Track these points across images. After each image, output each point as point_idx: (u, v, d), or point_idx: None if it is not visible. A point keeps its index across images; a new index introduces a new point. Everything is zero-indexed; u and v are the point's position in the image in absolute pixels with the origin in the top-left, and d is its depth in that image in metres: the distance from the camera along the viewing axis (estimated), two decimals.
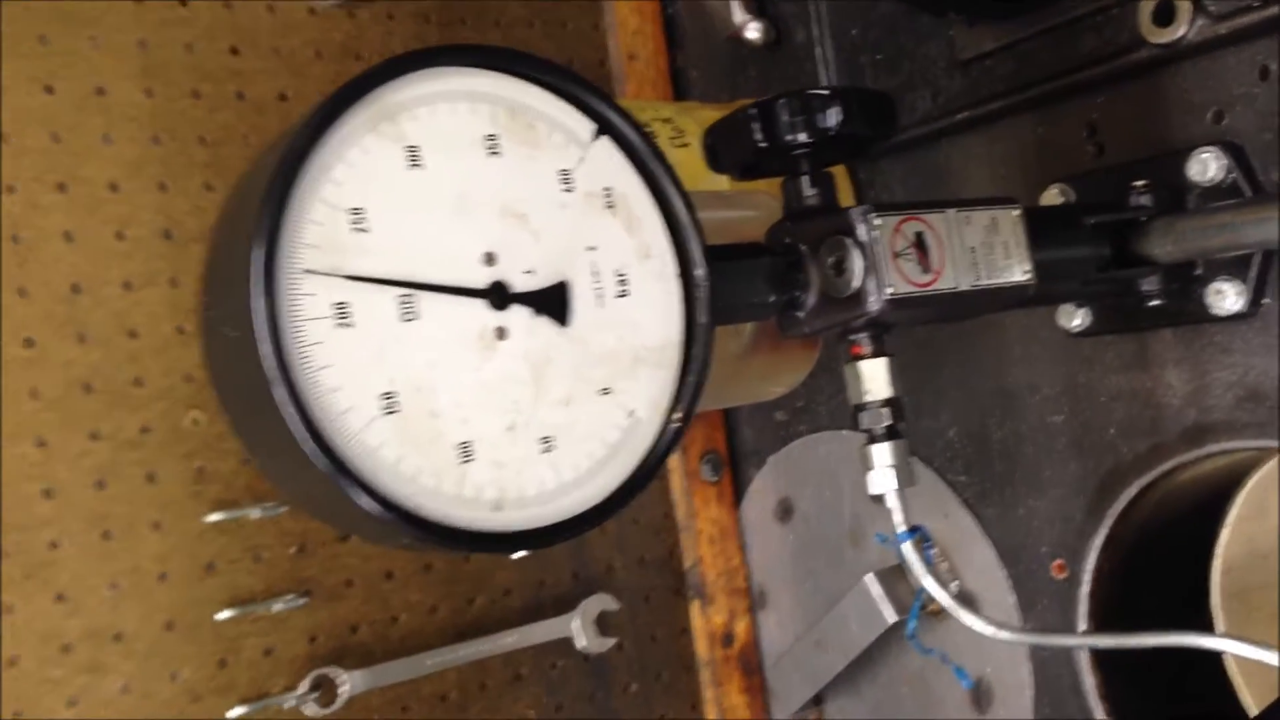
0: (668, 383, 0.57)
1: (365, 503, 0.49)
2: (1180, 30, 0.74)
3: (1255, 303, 0.73)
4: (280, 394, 0.47)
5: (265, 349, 0.47)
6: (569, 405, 0.54)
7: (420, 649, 0.94)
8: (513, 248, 0.54)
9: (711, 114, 0.65)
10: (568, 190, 0.56)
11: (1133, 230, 0.73)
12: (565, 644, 1.01)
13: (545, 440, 0.54)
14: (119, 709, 0.82)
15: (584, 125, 0.57)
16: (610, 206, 0.57)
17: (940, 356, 0.93)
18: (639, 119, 0.58)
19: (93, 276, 0.84)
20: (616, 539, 1.06)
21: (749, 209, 0.73)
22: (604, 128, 0.57)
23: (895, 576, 0.96)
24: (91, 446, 0.83)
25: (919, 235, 0.61)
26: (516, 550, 0.54)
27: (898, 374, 0.64)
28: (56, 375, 0.82)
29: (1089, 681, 0.85)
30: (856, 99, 0.62)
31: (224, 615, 0.86)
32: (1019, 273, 0.65)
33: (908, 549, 0.63)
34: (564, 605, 1.01)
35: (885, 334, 0.64)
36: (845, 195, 0.96)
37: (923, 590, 0.94)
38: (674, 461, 1.10)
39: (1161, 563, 0.87)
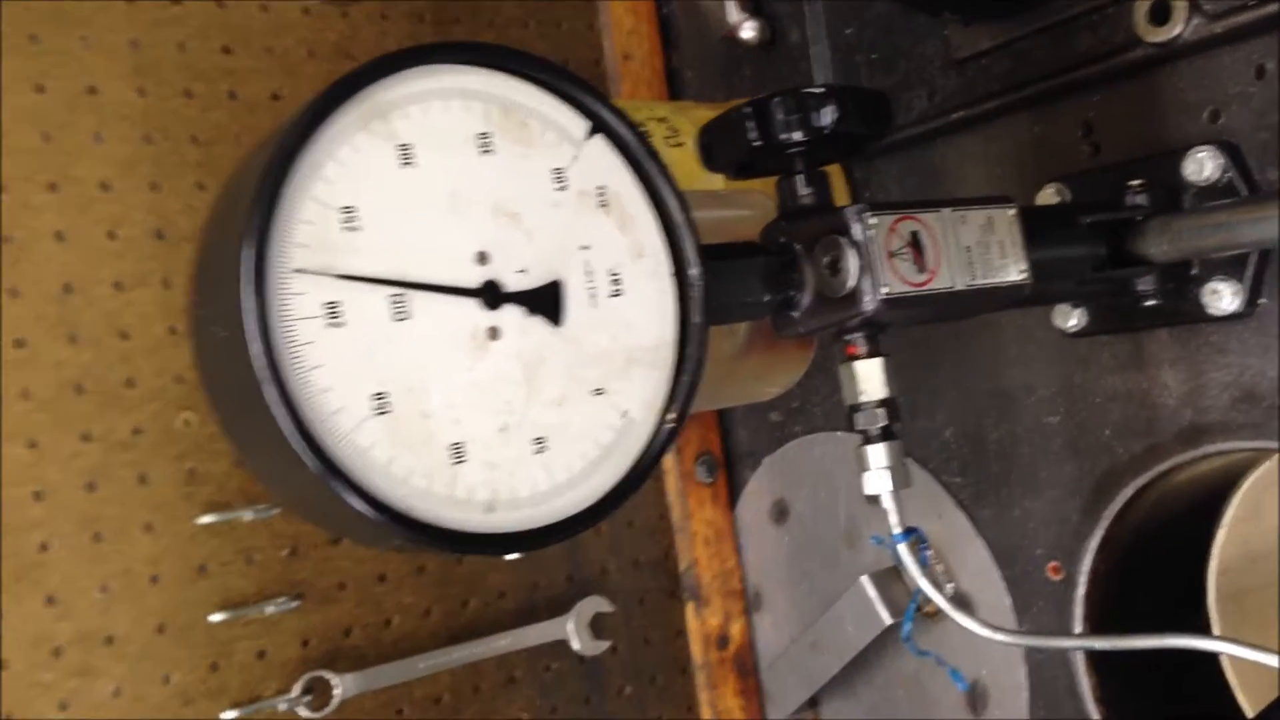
0: (661, 383, 0.57)
1: (356, 504, 0.48)
2: (1176, 29, 0.74)
3: (1251, 302, 0.72)
4: (271, 394, 0.47)
5: (256, 349, 0.47)
6: (562, 406, 0.54)
7: (413, 652, 0.93)
8: (505, 247, 0.53)
9: (707, 114, 0.65)
10: (561, 189, 0.56)
11: (1129, 230, 0.73)
12: (560, 646, 1.01)
13: (538, 441, 0.53)
14: (110, 713, 0.82)
15: (577, 123, 0.56)
16: (604, 205, 0.56)
17: (936, 357, 0.92)
18: (634, 119, 0.58)
19: (84, 276, 0.84)
20: (611, 541, 1.06)
21: (744, 208, 0.73)
22: (597, 126, 0.57)
23: (891, 578, 0.96)
24: (83, 448, 0.83)
25: (914, 234, 0.61)
26: (509, 552, 0.54)
27: (893, 374, 0.64)
28: (48, 376, 0.82)
29: (1085, 683, 0.85)
30: (851, 97, 0.62)
31: (216, 618, 0.86)
32: (1015, 272, 0.64)
33: (903, 550, 0.63)
34: (558, 607, 1.01)
35: (880, 334, 0.64)
36: (840, 194, 0.96)
37: (918, 592, 0.94)
38: (669, 463, 1.10)
39: (1157, 564, 0.87)
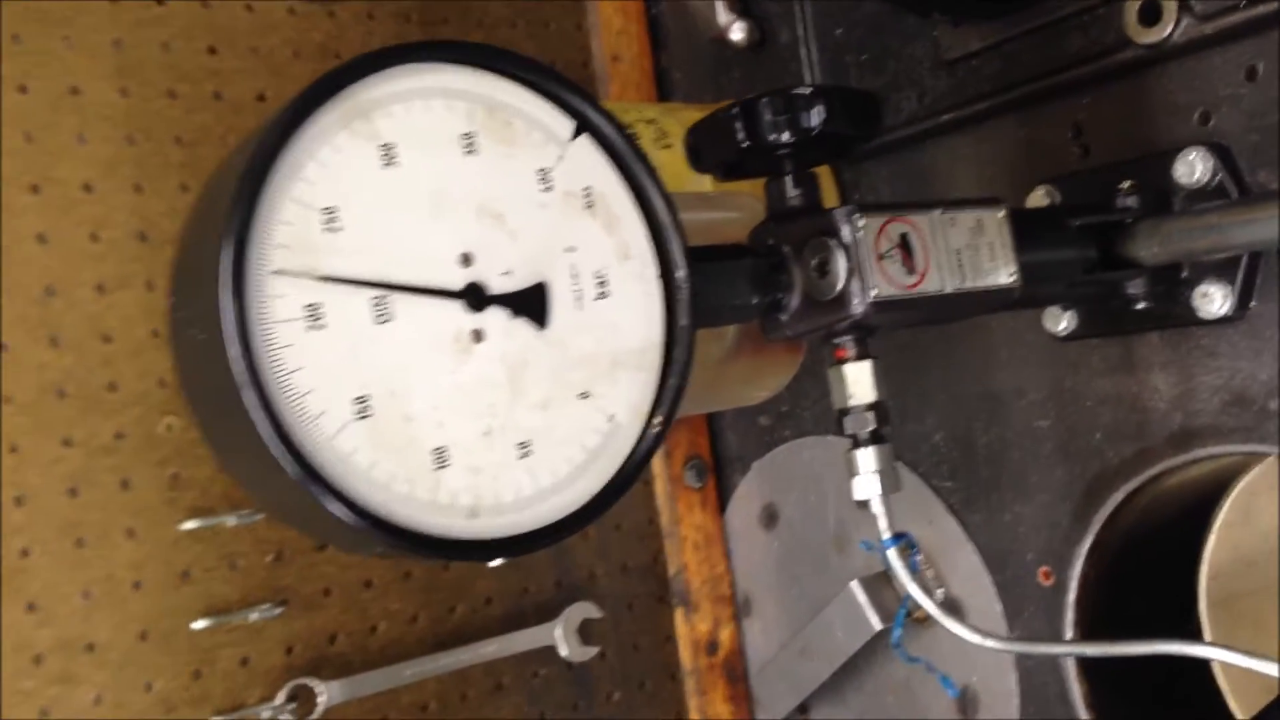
0: (648, 386, 0.56)
1: (337, 510, 0.47)
2: (1166, 30, 0.73)
3: (1242, 306, 0.72)
4: (250, 398, 0.46)
5: (234, 351, 0.46)
6: (547, 409, 0.53)
7: (399, 658, 0.93)
8: (490, 248, 0.53)
9: (696, 115, 0.64)
10: (546, 190, 0.55)
11: (1119, 232, 0.73)
12: (547, 652, 1.00)
13: (522, 445, 0.53)
14: None
15: (563, 123, 0.56)
16: (590, 206, 0.56)
17: (925, 360, 0.92)
18: (622, 120, 0.57)
19: (66, 279, 0.83)
20: (599, 546, 1.05)
21: (732, 210, 0.73)
22: (583, 126, 0.56)
23: (880, 583, 0.95)
24: (64, 453, 0.82)
25: (904, 237, 0.61)
26: (493, 558, 0.53)
27: (882, 377, 0.63)
28: (29, 379, 0.81)
29: (1076, 689, 0.85)
30: (840, 98, 0.61)
31: (199, 625, 0.85)
32: (1004, 275, 0.64)
33: (893, 556, 0.63)
34: (546, 613, 1.00)
35: (869, 337, 0.63)
36: (830, 196, 0.95)
37: (908, 597, 0.94)
38: (658, 467, 1.09)
39: (1148, 569, 0.87)
